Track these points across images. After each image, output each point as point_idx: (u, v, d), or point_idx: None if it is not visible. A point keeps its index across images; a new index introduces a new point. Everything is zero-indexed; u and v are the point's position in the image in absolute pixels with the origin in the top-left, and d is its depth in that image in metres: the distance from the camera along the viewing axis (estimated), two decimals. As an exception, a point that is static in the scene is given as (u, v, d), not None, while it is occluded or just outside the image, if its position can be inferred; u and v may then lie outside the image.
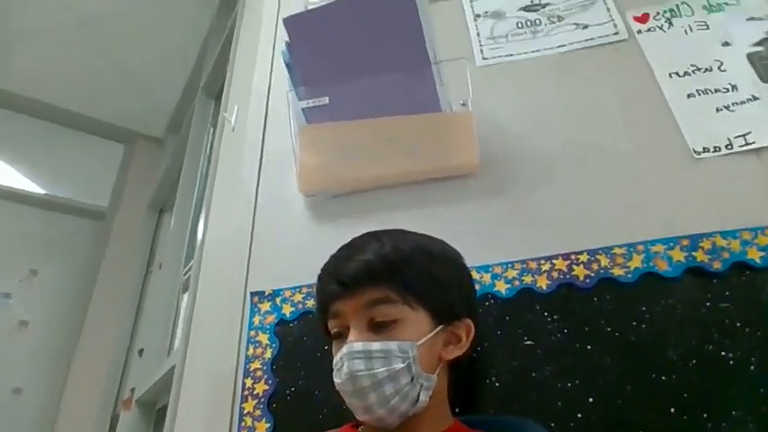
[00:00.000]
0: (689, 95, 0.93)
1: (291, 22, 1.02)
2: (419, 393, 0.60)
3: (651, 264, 0.79)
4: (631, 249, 0.81)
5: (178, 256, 1.99)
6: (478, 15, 1.18)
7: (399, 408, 0.58)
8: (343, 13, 1.01)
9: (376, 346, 0.59)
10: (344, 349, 0.60)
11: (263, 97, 1.30)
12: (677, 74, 0.96)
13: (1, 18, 2.37)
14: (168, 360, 1.50)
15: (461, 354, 0.65)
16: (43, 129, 2.90)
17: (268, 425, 0.84)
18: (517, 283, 0.83)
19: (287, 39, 1.03)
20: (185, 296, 1.62)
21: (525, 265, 0.84)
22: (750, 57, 0.93)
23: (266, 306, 0.97)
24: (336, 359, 0.61)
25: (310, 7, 1.31)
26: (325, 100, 1.06)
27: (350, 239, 0.69)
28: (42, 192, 2.79)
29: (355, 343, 0.59)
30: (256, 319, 0.96)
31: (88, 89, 2.84)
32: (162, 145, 3.16)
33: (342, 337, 0.62)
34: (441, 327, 0.63)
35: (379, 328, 0.60)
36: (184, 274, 1.87)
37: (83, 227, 2.81)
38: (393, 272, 0.62)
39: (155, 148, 3.16)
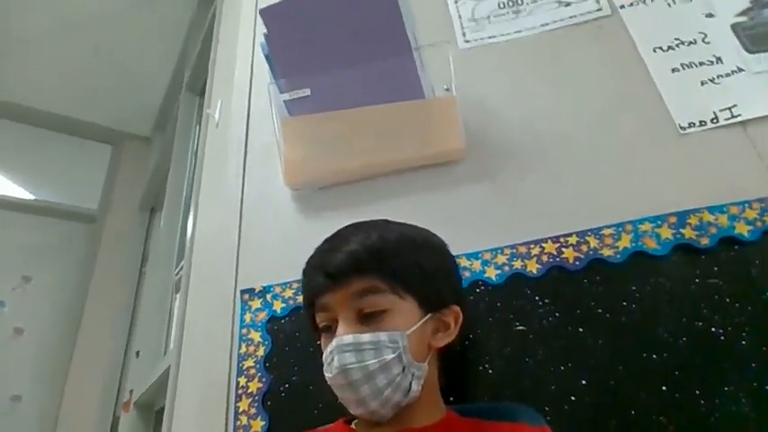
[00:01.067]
0: (673, 70, 0.92)
1: (268, 13, 1.00)
2: (411, 383, 0.59)
3: (640, 243, 0.78)
4: (620, 229, 0.80)
5: (169, 256, 1.98)
6: (459, -3, 1.16)
7: (392, 398, 0.58)
8: (321, 2, 0.99)
9: (366, 337, 0.58)
10: (334, 343, 0.59)
11: (244, 91, 1.28)
12: (661, 48, 0.95)
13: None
14: (163, 361, 1.49)
15: (450, 341, 0.65)
16: (29, 134, 2.87)
17: (263, 422, 0.84)
18: (507, 268, 0.83)
19: (265, 30, 1.01)
20: (178, 296, 1.61)
21: (515, 250, 0.84)
22: (734, 27, 0.92)
23: (257, 303, 0.96)
24: (326, 353, 0.60)
25: (288, -3, 1.29)
26: (307, 91, 1.04)
27: (334, 231, 0.68)
28: (32, 197, 2.76)
29: (345, 336, 0.59)
30: (247, 317, 0.95)
31: (73, 91, 2.80)
32: (150, 144, 3.13)
33: (330, 330, 0.62)
34: (429, 315, 0.63)
35: (367, 319, 0.60)
36: (176, 274, 1.86)
37: (74, 230, 2.79)
38: (380, 261, 0.61)
39: (142, 147, 3.13)
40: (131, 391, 1.89)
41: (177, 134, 2.24)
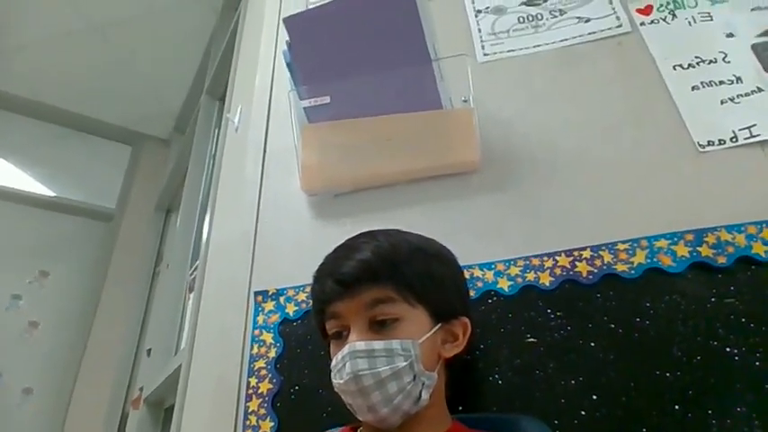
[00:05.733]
0: (693, 88, 0.92)
1: (291, 22, 1.02)
2: (421, 391, 0.59)
3: (655, 259, 0.78)
4: (635, 245, 0.80)
5: (184, 256, 2.00)
6: (479, 11, 1.18)
7: (402, 406, 0.58)
8: (343, 12, 1.00)
9: (378, 344, 0.58)
10: (346, 349, 0.59)
11: (265, 97, 1.31)
12: (681, 66, 0.95)
13: (8, 25, 2.40)
14: (175, 359, 1.51)
15: (459, 352, 0.65)
16: (52, 132, 2.94)
17: (272, 423, 0.84)
18: (520, 280, 0.83)
19: (288, 39, 1.03)
20: (191, 296, 1.63)
21: (528, 262, 0.84)
22: (755, 47, 0.92)
23: (270, 305, 0.97)
24: (337, 359, 0.60)
25: (311, 7, 1.32)
26: (327, 99, 1.06)
27: (345, 239, 0.68)
28: (52, 194, 2.82)
29: (357, 342, 0.59)
30: (260, 319, 0.96)
31: (96, 92, 2.86)
32: (168, 146, 3.18)
33: (341, 337, 0.62)
34: (439, 325, 0.63)
35: (379, 327, 0.60)
36: (190, 274, 1.88)
37: (92, 228, 2.84)
38: (393, 270, 0.62)
39: (161, 149, 3.18)
40: (141, 389, 1.91)
41: (196, 137, 2.28)
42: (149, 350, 2.00)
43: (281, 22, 1.31)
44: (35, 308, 2.47)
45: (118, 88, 2.84)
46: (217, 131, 2.22)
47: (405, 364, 0.58)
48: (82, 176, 2.95)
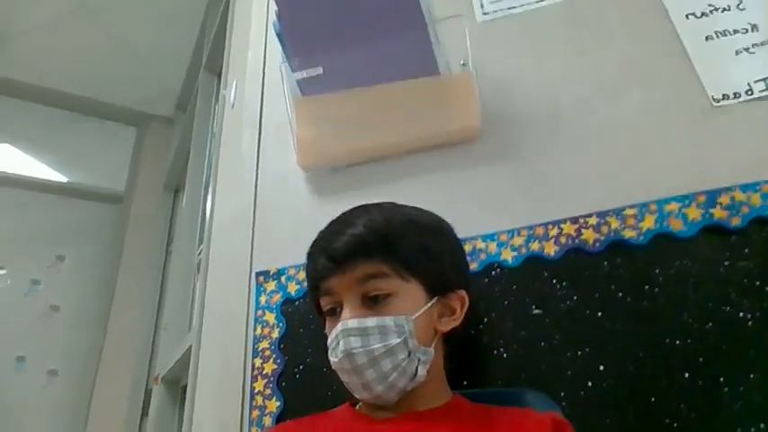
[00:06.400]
0: (707, 38, 0.86)
1: (278, -10, 0.97)
2: (417, 367, 0.59)
3: (665, 224, 0.74)
4: (644, 209, 0.76)
5: (192, 237, 2.01)
6: (476, -34, 1.10)
7: (398, 383, 0.57)
8: (332, -23, 0.95)
9: (371, 321, 0.57)
10: (339, 327, 0.58)
11: (258, 71, 1.27)
12: (694, 15, 0.89)
13: (9, 10, 2.37)
14: (186, 339, 1.53)
15: (456, 326, 0.64)
16: (57, 117, 2.93)
17: (278, 403, 0.85)
18: (524, 250, 0.80)
19: (276, 9, 0.99)
20: (199, 277, 1.64)
21: (532, 232, 0.81)
22: (772, -8, 0.85)
23: (272, 285, 0.96)
24: (331, 337, 0.60)
25: (299, -28, 1.26)
26: (320, 70, 1.02)
27: (339, 213, 0.66)
28: (64, 180, 2.84)
29: (350, 320, 0.58)
30: (263, 299, 0.96)
31: (97, 75, 2.83)
32: (172, 125, 3.16)
33: (335, 313, 0.61)
34: (435, 299, 0.62)
35: (372, 303, 0.59)
36: (198, 255, 1.89)
37: (104, 211, 2.87)
38: (385, 244, 0.60)
39: (166, 128, 3.16)
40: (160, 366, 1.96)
41: (197, 115, 2.25)
42: (166, 327, 2.04)
43: (270, -9, 1.26)
44: (54, 292, 2.53)
45: (119, 69, 2.81)
46: (216, 108, 2.19)
47: (398, 340, 0.57)
48: (89, 160, 2.96)
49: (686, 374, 0.66)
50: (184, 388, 1.79)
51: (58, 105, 2.93)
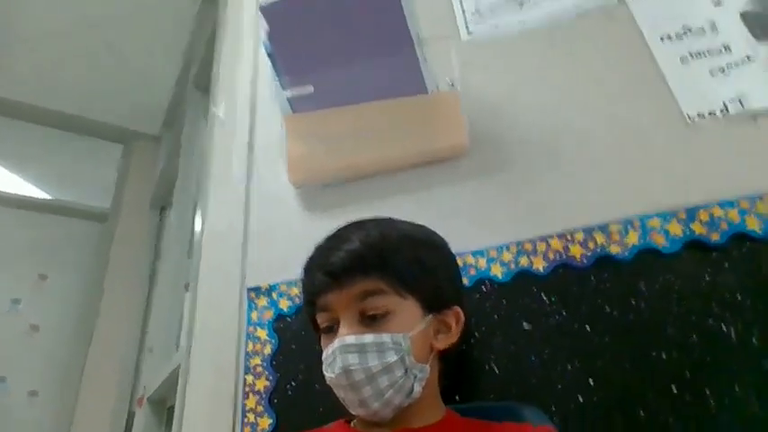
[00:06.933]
0: (682, 59, 0.90)
1: (269, 11, 0.99)
2: (413, 385, 0.59)
3: (648, 239, 0.76)
4: (628, 225, 0.78)
5: (180, 254, 1.99)
6: (462, -11, 1.14)
7: (394, 400, 0.58)
8: (322, -2, 0.98)
9: (369, 338, 0.58)
10: (336, 343, 0.58)
11: (248, 89, 1.28)
12: (669, 36, 0.92)
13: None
14: (174, 359, 1.51)
15: (452, 342, 0.64)
16: (43, 134, 2.90)
17: (270, 420, 0.84)
18: (513, 265, 0.82)
19: (267, 27, 1.00)
20: (187, 294, 1.63)
21: (521, 247, 0.83)
22: (744, 15, 0.89)
23: (263, 301, 0.96)
24: (328, 353, 0.60)
25: (289, -7, 1.28)
26: (310, 88, 1.03)
27: (335, 229, 0.67)
28: (47, 197, 2.80)
29: (347, 336, 0.58)
30: (254, 315, 0.96)
31: (83, 92, 2.82)
32: (159, 142, 3.15)
33: (332, 330, 0.61)
34: (431, 315, 0.63)
35: (370, 321, 0.59)
36: (186, 272, 1.87)
37: (88, 229, 2.83)
38: (382, 260, 0.61)
39: (153, 145, 3.14)
40: (145, 387, 1.92)
41: (185, 132, 2.24)
42: (151, 349, 2.01)
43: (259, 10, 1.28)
44: (35, 311, 2.47)
45: (106, 86, 2.80)
46: (205, 125, 2.19)
47: (396, 358, 0.57)
48: (75, 178, 2.93)
49: (673, 387, 0.67)
50: (171, 408, 1.76)
51: (43, 122, 2.90)
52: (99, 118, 3.01)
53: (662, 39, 0.92)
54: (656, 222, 0.77)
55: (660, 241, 0.76)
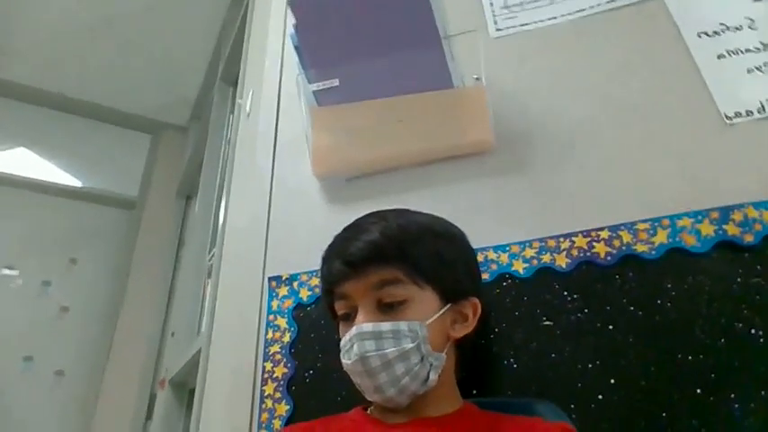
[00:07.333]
0: (719, 56, 0.87)
1: (297, 4, 1.00)
2: (429, 372, 0.59)
3: (678, 239, 0.75)
4: (656, 224, 0.77)
5: (203, 242, 2.03)
6: (492, -16, 1.13)
7: (410, 387, 0.58)
8: (350, -8, 0.98)
9: (386, 326, 0.58)
10: (354, 330, 0.59)
11: (275, 82, 1.29)
12: (706, 33, 0.90)
13: (26, 19, 2.44)
14: (195, 343, 1.54)
15: (468, 332, 0.64)
16: (75, 123, 3.00)
17: (288, 407, 0.85)
18: (535, 262, 0.81)
19: (294, 21, 1.01)
20: (209, 281, 1.66)
21: (544, 244, 0.82)
22: (784, 12, 0.86)
23: (284, 290, 0.97)
24: (345, 340, 0.60)
25: (318, -14, 1.29)
26: (336, 82, 1.04)
27: (354, 220, 0.68)
28: (79, 184, 2.89)
29: (364, 324, 0.59)
30: (274, 304, 0.97)
31: (115, 83, 2.91)
32: (186, 133, 3.21)
33: (349, 318, 0.62)
34: (448, 305, 0.63)
35: (387, 309, 0.60)
36: (209, 260, 1.91)
37: (116, 216, 2.91)
38: (400, 251, 0.61)
39: (180, 136, 3.21)
40: (167, 370, 1.97)
41: (211, 124, 2.29)
42: (173, 333, 2.05)
43: (288, 4, 1.29)
44: (65, 293, 2.56)
45: (136, 79, 2.88)
46: (231, 117, 2.22)
47: (412, 345, 0.58)
48: (104, 166, 3.01)
49: (698, 390, 0.66)
50: (192, 391, 1.80)
51: (76, 112, 3.00)
52: (130, 109, 3.09)
53: (699, 35, 0.90)
54: (686, 222, 0.75)
55: (690, 241, 0.74)
